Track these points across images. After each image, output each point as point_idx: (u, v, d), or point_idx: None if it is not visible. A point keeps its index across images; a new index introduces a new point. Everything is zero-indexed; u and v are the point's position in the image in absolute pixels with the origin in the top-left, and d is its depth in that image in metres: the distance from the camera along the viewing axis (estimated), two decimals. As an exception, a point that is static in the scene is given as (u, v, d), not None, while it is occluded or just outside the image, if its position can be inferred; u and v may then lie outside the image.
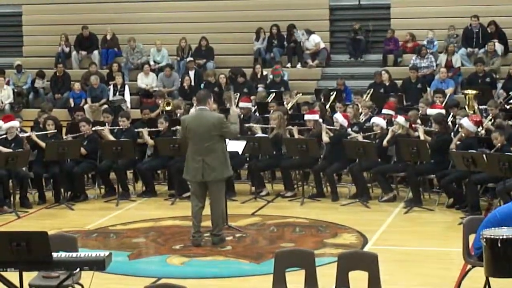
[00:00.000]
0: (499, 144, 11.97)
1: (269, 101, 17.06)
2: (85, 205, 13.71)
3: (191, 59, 20.58)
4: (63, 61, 21.24)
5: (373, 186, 13.93)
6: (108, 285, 9.00)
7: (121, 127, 14.37)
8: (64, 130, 15.20)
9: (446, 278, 9.17)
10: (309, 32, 20.79)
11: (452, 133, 13.29)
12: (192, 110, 16.19)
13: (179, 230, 11.73)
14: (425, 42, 20.00)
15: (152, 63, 20.96)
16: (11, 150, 13.09)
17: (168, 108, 16.95)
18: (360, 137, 13.58)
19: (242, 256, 10.41)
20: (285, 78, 19.75)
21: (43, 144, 13.55)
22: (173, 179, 13.96)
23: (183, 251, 10.68)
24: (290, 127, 14.20)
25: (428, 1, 21.05)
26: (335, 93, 17.30)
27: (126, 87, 19.89)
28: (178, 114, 15.31)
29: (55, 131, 14.06)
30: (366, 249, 10.37)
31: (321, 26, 21.40)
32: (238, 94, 17.59)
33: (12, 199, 13.12)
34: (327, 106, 16.32)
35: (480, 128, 13.27)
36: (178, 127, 13.34)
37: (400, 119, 13.43)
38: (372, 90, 17.85)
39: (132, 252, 10.72)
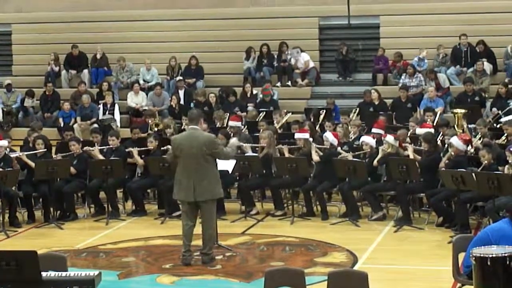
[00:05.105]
0: (486, 162, 12.02)
1: (259, 120, 17.06)
2: (74, 224, 13.66)
3: (181, 78, 20.60)
4: (53, 80, 21.24)
5: (363, 205, 13.92)
6: (97, 304, 8.96)
7: (110, 146, 14.36)
8: (53, 149, 15.17)
9: (436, 296, 9.18)
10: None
11: (442, 152, 13.32)
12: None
13: (169, 249, 11.70)
14: (415, 59, 20.06)
15: (141, 82, 20.97)
16: (0, 169, 13.07)
17: (156, 129, 16.95)
18: (350, 156, 13.60)
19: (232, 275, 10.38)
20: (275, 97, 19.76)
21: (32, 164, 13.52)
22: (163, 198, 13.94)
23: (173, 270, 10.64)
24: (280, 146, 14.21)
25: (417, 20, 21.18)
26: (324, 112, 17.34)
27: (116, 106, 19.88)
28: (168, 134, 15.30)
29: (45, 150, 14.03)
30: (356, 268, 10.36)
31: (311, 46, 21.46)
32: (228, 114, 17.59)
33: (1, 218, 13.05)
34: (317, 125, 16.35)
35: (470, 146, 13.31)
36: (168, 146, 13.32)
37: (390, 138, 13.45)
38: (358, 109, 17.93)
39: (122, 271, 10.67)
